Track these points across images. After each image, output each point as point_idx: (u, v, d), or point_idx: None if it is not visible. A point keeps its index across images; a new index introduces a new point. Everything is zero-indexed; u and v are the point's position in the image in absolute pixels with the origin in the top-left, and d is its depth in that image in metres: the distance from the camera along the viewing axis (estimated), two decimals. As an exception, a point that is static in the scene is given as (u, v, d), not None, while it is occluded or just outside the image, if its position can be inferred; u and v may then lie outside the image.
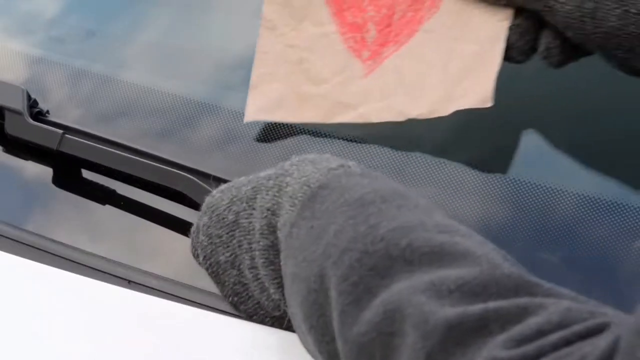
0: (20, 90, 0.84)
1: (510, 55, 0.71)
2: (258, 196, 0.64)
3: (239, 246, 0.65)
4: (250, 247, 0.64)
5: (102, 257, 0.76)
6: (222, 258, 0.66)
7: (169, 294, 0.71)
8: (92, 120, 0.87)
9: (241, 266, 0.66)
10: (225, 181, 0.72)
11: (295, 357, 0.63)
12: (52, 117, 0.85)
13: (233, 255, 0.66)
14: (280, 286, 0.62)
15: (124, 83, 0.89)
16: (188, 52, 0.85)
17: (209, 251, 0.67)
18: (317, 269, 0.54)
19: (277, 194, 0.62)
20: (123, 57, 0.94)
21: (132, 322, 0.69)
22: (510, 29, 0.71)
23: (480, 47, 0.72)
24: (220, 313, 0.69)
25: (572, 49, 0.69)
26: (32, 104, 0.84)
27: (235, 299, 0.67)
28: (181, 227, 0.75)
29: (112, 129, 0.85)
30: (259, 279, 0.64)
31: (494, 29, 0.71)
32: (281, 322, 0.66)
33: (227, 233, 0.65)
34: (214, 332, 0.68)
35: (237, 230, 0.65)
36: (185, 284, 0.73)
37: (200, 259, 0.68)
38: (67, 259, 0.75)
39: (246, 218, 0.64)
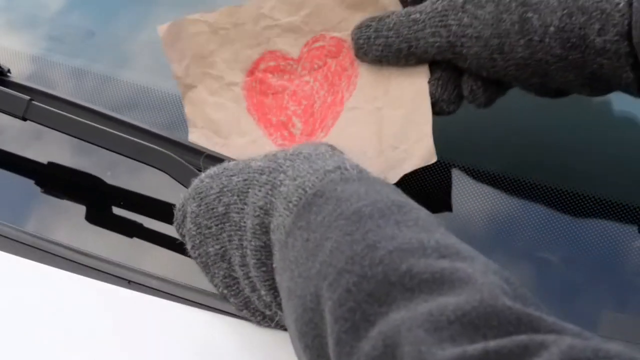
0: None
1: (440, 108, 0.72)
2: (250, 191, 0.63)
3: (229, 241, 0.65)
4: (242, 245, 0.64)
5: (102, 257, 0.76)
6: (211, 250, 0.66)
7: (169, 294, 0.71)
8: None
9: (232, 260, 0.65)
10: (216, 159, 0.71)
11: (295, 357, 0.63)
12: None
13: (223, 249, 0.65)
14: (272, 288, 0.62)
15: (125, 83, 0.89)
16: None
17: (197, 241, 0.66)
18: (313, 288, 0.53)
19: (270, 192, 0.62)
20: (123, 57, 0.94)
21: (132, 322, 0.69)
22: (431, 83, 0.72)
23: (406, 110, 0.73)
24: (220, 313, 0.69)
25: (494, 87, 0.71)
26: None
27: (226, 291, 0.67)
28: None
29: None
30: (249, 278, 0.64)
31: (415, 88, 0.73)
32: (272, 319, 0.66)
33: (217, 225, 0.65)
34: (214, 332, 0.68)
35: (228, 224, 0.65)
36: (185, 284, 0.73)
37: (189, 246, 0.68)
38: (67, 259, 0.75)
39: (237, 213, 0.64)
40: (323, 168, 0.61)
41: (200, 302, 0.71)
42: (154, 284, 0.72)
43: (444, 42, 0.69)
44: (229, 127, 0.77)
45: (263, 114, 0.77)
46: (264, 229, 0.62)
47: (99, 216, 0.81)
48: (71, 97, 0.78)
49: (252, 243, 0.62)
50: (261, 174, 0.63)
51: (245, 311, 0.67)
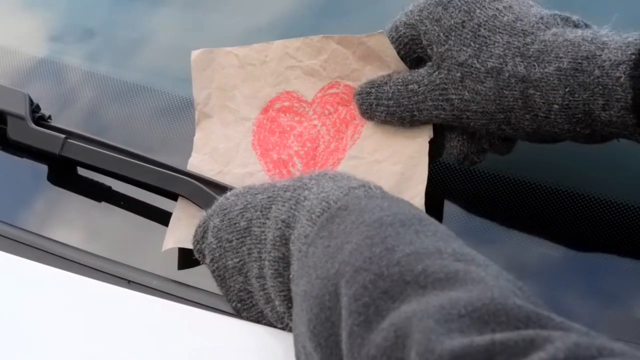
0: (22, 95, 0.84)
1: (471, 160, 0.73)
2: (273, 206, 0.64)
3: (249, 254, 0.65)
4: (260, 257, 0.64)
5: (102, 257, 0.76)
6: (230, 263, 0.66)
7: (169, 294, 0.71)
8: (94, 122, 0.87)
9: (248, 274, 0.65)
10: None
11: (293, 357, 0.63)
12: (54, 122, 0.85)
13: (241, 262, 0.66)
14: (287, 299, 0.62)
15: (125, 83, 0.89)
16: (189, 52, 0.85)
17: (217, 254, 0.67)
18: (332, 287, 0.53)
19: (293, 207, 0.62)
20: (124, 58, 0.94)
21: (132, 322, 0.69)
22: (457, 139, 0.73)
23: (404, 166, 0.74)
24: (220, 313, 0.69)
25: (510, 140, 0.72)
26: (35, 108, 0.84)
27: (239, 305, 0.67)
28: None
29: (113, 132, 0.85)
30: (265, 289, 0.64)
31: (416, 146, 0.74)
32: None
33: (238, 239, 0.65)
34: (214, 332, 0.68)
35: (248, 238, 0.65)
36: (185, 284, 0.73)
37: (207, 260, 0.68)
38: (67, 259, 0.75)
39: (259, 227, 0.64)
40: (347, 185, 0.61)
41: (200, 302, 0.71)
42: (154, 284, 0.72)
43: (449, 115, 0.70)
44: (230, 156, 0.79)
45: (266, 150, 0.79)
46: (284, 241, 0.62)
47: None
48: (100, 136, 0.82)
49: (272, 254, 0.62)
50: (285, 191, 0.64)
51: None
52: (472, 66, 0.67)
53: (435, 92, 0.70)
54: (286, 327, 0.65)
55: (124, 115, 0.87)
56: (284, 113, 0.80)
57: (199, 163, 0.79)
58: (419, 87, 0.70)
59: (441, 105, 0.69)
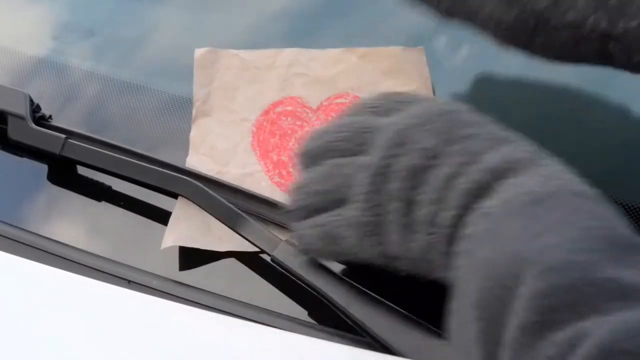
0: (23, 95, 0.84)
1: None
2: (491, 152, 0.59)
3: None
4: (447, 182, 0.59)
5: (102, 257, 0.76)
6: (418, 162, 0.61)
7: (169, 294, 0.71)
8: (95, 122, 0.87)
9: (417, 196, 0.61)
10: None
11: (296, 357, 0.63)
12: (55, 121, 0.85)
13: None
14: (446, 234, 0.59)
15: (125, 83, 0.89)
16: (191, 51, 0.85)
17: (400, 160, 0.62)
18: (517, 270, 0.51)
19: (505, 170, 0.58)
20: (124, 57, 0.94)
21: (132, 322, 0.69)
22: None
23: None
24: (220, 313, 0.69)
25: None
26: (35, 108, 0.84)
27: (370, 218, 0.62)
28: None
29: (114, 132, 0.85)
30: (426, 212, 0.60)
31: None
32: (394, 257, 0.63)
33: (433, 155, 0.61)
34: (214, 332, 0.68)
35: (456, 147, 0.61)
36: (185, 284, 0.73)
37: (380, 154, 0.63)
38: (67, 259, 0.75)
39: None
40: (562, 176, 0.58)
41: (200, 302, 0.71)
42: (154, 284, 0.72)
43: None
44: (228, 157, 0.79)
45: (265, 152, 0.79)
46: (485, 185, 0.58)
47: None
48: (101, 136, 0.82)
49: (467, 184, 0.58)
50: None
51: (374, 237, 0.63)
52: (549, 17, 0.64)
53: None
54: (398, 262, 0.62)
55: (125, 115, 0.87)
56: (286, 117, 0.80)
57: (197, 163, 0.79)
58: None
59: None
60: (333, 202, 0.65)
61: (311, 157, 0.67)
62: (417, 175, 0.60)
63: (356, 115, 0.68)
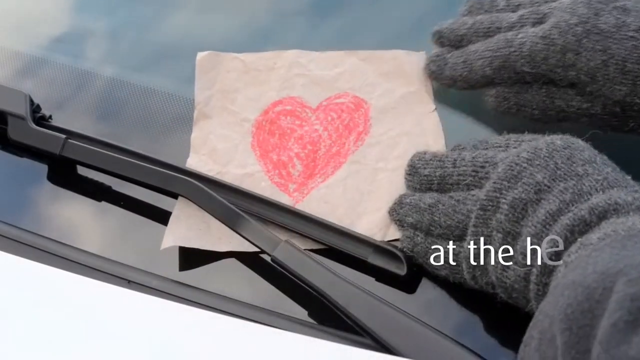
0: (23, 95, 0.84)
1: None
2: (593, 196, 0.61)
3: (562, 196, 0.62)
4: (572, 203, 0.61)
5: (102, 257, 0.76)
6: (524, 196, 0.62)
7: (169, 294, 0.71)
8: (94, 122, 0.87)
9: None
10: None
11: (296, 357, 0.63)
12: (55, 121, 0.85)
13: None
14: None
15: (126, 83, 0.89)
16: (190, 52, 0.85)
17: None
18: (609, 283, 0.51)
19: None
20: (125, 57, 0.94)
21: (132, 322, 0.69)
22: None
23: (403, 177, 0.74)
24: (220, 313, 0.69)
25: None
26: (35, 109, 0.84)
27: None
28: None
29: (113, 132, 0.85)
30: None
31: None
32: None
33: (555, 180, 0.62)
34: (214, 332, 0.68)
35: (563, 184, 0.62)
36: (185, 284, 0.73)
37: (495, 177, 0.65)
38: (67, 259, 0.75)
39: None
40: None
41: (200, 302, 0.71)
42: (154, 284, 0.72)
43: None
44: (228, 157, 0.79)
45: (265, 151, 0.79)
46: (583, 224, 0.59)
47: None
48: (101, 136, 0.82)
49: (567, 222, 0.59)
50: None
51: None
52: (632, 102, 0.67)
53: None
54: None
55: (125, 115, 0.87)
56: (285, 116, 0.80)
57: (198, 164, 0.79)
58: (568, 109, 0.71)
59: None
60: (454, 236, 0.67)
61: (426, 183, 0.71)
62: (522, 209, 0.62)
63: (477, 149, 0.70)
